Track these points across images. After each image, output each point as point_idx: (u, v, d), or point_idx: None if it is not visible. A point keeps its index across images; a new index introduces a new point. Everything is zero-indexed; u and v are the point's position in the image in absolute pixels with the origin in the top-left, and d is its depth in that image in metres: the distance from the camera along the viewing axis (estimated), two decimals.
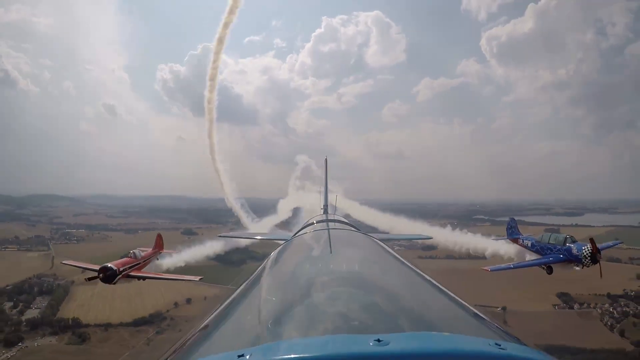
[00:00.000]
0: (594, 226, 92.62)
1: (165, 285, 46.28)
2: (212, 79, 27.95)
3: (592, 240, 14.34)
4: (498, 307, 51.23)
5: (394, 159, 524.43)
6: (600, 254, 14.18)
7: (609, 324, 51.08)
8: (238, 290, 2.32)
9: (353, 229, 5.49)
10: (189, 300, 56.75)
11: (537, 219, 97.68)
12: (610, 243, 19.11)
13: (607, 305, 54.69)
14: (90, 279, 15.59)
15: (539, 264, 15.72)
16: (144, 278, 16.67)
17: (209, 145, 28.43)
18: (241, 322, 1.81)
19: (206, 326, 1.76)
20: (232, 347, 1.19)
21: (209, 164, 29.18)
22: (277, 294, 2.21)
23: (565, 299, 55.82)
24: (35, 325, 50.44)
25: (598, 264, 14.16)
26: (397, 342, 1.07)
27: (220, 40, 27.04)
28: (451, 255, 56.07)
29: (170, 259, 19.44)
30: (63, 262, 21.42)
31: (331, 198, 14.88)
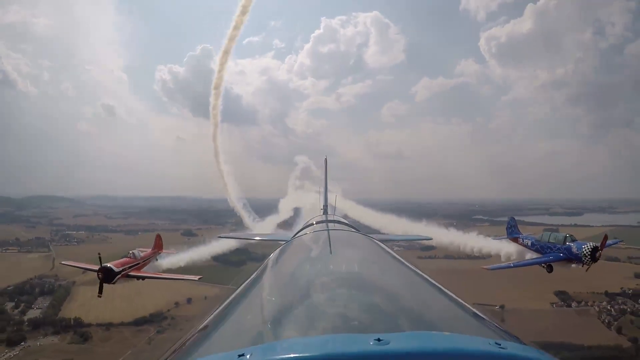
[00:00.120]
0: (593, 226, 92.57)
1: (166, 285, 46.28)
2: (217, 87, 29.63)
3: (604, 239, 14.35)
4: (496, 306, 51.40)
5: (394, 159, 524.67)
6: (600, 252, 14.21)
7: (607, 321, 51.25)
8: (238, 290, 2.33)
9: (353, 229, 5.50)
10: (189, 300, 56.91)
11: (536, 219, 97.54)
12: (611, 241, 19.12)
13: (604, 303, 54.87)
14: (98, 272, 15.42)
15: (539, 263, 15.74)
16: (143, 278, 16.71)
17: (213, 148, 30.25)
18: (241, 321, 1.82)
19: (206, 326, 1.77)
20: (233, 347, 1.19)
21: (210, 164, 30.37)
22: (277, 294, 2.22)
23: (564, 297, 56.01)
24: (37, 325, 50.67)
25: (597, 261, 14.21)
26: (397, 342, 1.07)
27: (226, 52, 28.95)
28: (450, 255, 56.21)
29: (170, 259, 19.46)
30: (62, 262, 21.44)
31: (331, 198, 14.89)
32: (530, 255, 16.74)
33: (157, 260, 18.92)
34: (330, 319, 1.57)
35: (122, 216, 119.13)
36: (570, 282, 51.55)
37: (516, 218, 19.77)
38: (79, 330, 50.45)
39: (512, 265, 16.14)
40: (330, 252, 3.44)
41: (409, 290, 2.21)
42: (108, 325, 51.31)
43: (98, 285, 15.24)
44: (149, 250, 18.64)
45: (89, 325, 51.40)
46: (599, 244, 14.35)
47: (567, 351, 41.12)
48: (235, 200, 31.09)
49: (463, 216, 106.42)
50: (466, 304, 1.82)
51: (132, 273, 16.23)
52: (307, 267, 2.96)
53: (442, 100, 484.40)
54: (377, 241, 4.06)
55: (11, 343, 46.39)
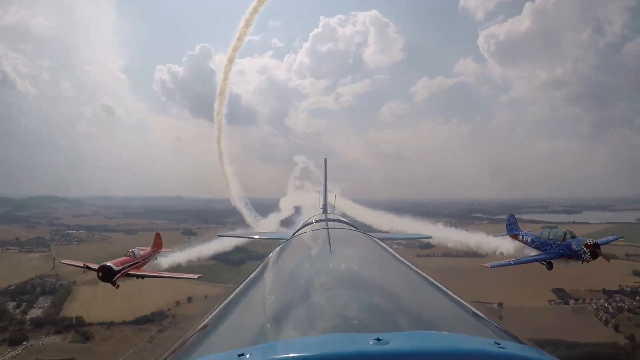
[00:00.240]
0: (591, 223, 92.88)
1: (167, 284, 46.40)
2: (222, 93, 30.60)
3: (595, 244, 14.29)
4: (494, 304, 51.54)
5: (393, 158, 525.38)
6: (600, 249, 14.20)
7: (604, 319, 51.38)
8: (238, 290, 2.33)
9: (352, 228, 5.49)
10: (190, 299, 57.15)
11: (535, 217, 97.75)
12: (610, 238, 19.10)
13: (602, 300, 54.99)
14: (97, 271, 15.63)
15: (538, 260, 15.74)
16: (142, 276, 16.69)
17: (217, 151, 31.22)
18: (241, 321, 1.82)
19: (206, 325, 1.77)
20: (233, 346, 1.19)
21: (210, 164, 30.77)
22: (277, 293, 2.22)
23: (561, 294, 56.10)
24: (39, 325, 50.89)
25: (597, 258, 14.19)
26: (396, 341, 1.07)
27: (230, 61, 29.96)
28: (449, 253, 56.39)
29: (170, 258, 19.43)
30: (62, 261, 21.41)
31: (330, 198, 14.90)
32: (530, 252, 16.75)
33: (156, 258, 18.91)
34: (330, 318, 1.57)
35: (121, 216, 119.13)
36: (568, 280, 51.59)
37: (515, 216, 19.76)
38: (80, 329, 50.61)
39: (512, 262, 16.14)
40: (330, 251, 3.43)
41: (408, 290, 2.21)
42: (109, 324, 51.47)
43: (103, 284, 15.43)
44: (149, 248, 18.62)
45: (91, 324, 51.57)
46: (598, 241, 14.35)
47: (564, 349, 41.19)
48: (237, 199, 31.87)
49: (462, 215, 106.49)
50: (465, 304, 1.82)
51: (131, 272, 16.25)
52: (306, 266, 2.96)
53: (441, 99, 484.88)
54: (376, 240, 4.05)
55: (13, 342, 46.71)
